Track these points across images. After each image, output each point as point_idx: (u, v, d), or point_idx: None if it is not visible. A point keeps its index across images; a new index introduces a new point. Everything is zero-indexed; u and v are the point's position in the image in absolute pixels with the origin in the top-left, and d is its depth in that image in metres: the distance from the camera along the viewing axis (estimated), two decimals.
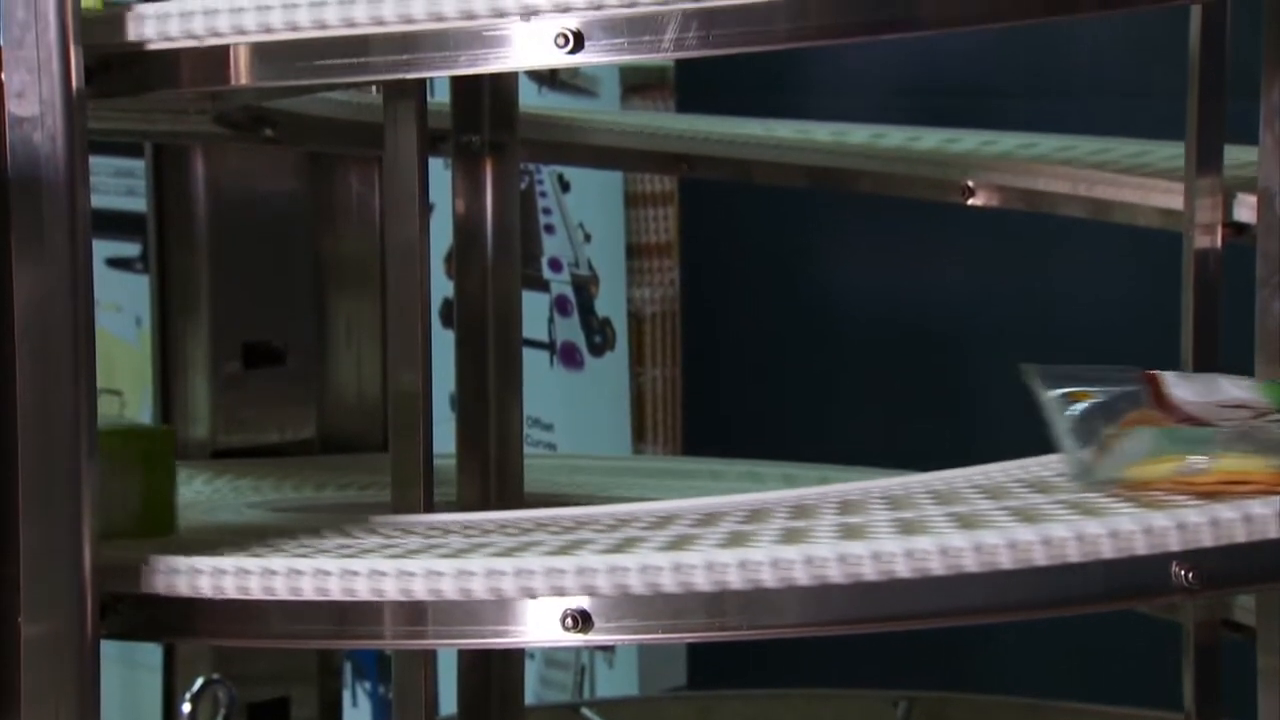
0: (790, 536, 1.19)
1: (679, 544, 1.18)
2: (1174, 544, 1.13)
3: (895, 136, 1.86)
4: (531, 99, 2.38)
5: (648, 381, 2.71)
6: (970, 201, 1.73)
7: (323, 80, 1.25)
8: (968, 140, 1.83)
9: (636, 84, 2.66)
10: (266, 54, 1.22)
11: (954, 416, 2.68)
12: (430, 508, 1.45)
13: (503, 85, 1.58)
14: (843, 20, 1.18)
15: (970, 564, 1.13)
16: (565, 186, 2.70)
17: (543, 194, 2.72)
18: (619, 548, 1.19)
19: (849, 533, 1.19)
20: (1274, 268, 1.41)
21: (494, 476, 1.60)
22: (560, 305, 2.74)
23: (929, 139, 1.85)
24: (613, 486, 1.94)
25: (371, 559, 1.20)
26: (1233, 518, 1.14)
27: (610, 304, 2.71)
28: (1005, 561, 1.13)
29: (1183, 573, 1.13)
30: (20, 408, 1.18)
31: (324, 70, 1.22)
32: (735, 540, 1.18)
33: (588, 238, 2.71)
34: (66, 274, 1.17)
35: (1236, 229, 1.51)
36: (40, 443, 1.18)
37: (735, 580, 1.14)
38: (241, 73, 1.22)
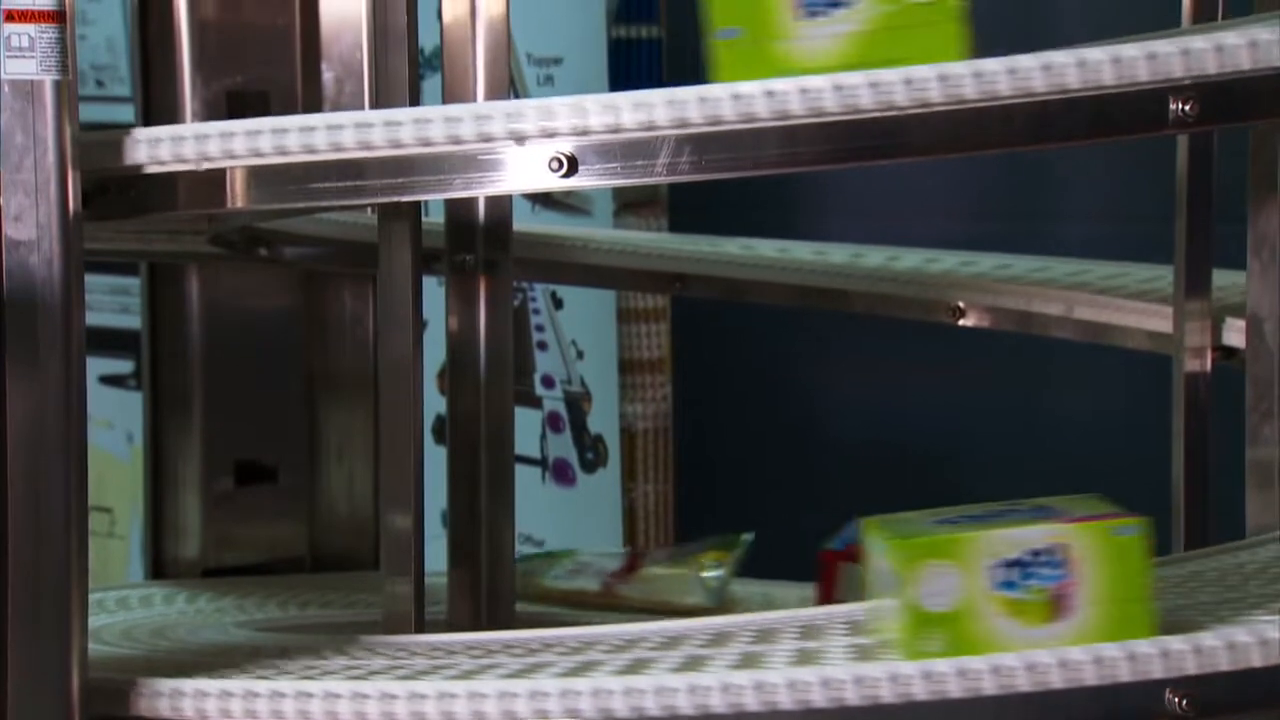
0: (747, 661, 1.18)
1: (696, 664, 1.18)
2: (1158, 671, 1.13)
3: (909, 259, 1.87)
4: (525, 217, 2.39)
5: (639, 497, 2.71)
6: (961, 322, 1.74)
7: (318, 203, 1.26)
8: (954, 261, 1.84)
9: (629, 201, 2.68)
10: (262, 177, 1.23)
11: None
12: (422, 627, 1.44)
13: (497, 205, 1.59)
14: (833, 147, 1.20)
15: (954, 690, 1.13)
16: (558, 303, 2.71)
17: (536, 311, 2.72)
18: (633, 669, 1.18)
19: (805, 657, 1.18)
20: (1263, 393, 1.42)
21: (485, 594, 1.59)
22: (553, 422, 2.74)
23: (918, 259, 1.86)
24: None
25: (336, 680, 1.20)
26: (1215, 645, 1.14)
27: (603, 420, 2.71)
28: (989, 688, 1.13)
29: (1178, 700, 1.13)
30: (11, 526, 1.18)
31: (319, 193, 1.23)
32: (692, 665, 1.18)
33: (580, 354, 2.71)
34: (60, 394, 1.17)
35: (1226, 353, 1.52)
36: (31, 562, 1.18)
37: (684, 706, 1.14)
38: (237, 195, 1.23)
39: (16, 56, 1.15)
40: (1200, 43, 1.16)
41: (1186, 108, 1.16)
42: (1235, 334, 1.50)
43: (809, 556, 2.71)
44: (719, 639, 1.26)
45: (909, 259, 1.86)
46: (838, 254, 1.89)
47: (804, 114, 1.17)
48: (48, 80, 1.15)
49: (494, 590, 1.59)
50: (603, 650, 1.25)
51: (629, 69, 2.66)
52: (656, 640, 1.27)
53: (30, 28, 1.14)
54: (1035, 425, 2.61)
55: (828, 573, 1.90)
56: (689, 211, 2.66)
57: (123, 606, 1.76)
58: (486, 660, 1.25)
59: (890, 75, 1.18)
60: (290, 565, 2.01)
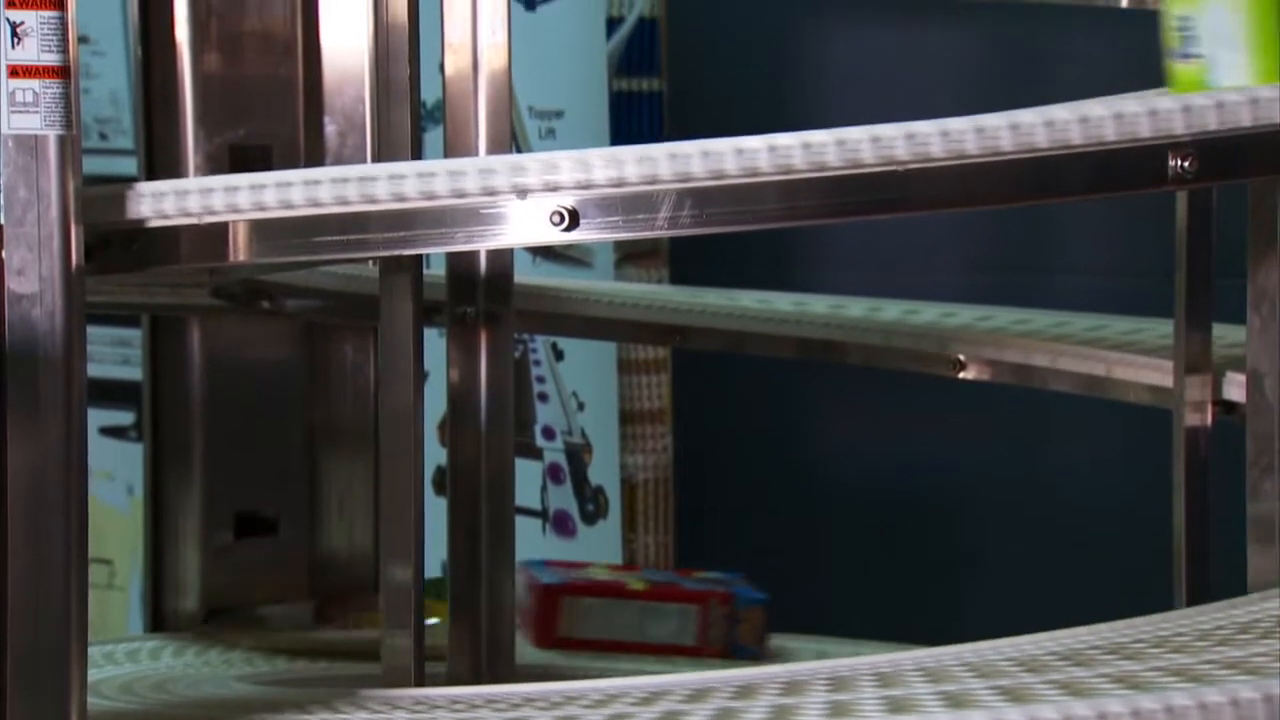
0: (779, 715, 1.18)
1: None
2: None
3: (891, 310, 1.88)
4: (526, 269, 2.40)
5: (640, 549, 2.70)
6: (961, 375, 1.75)
7: (320, 256, 1.26)
8: (962, 315, 1.85)
9: (630, 252, 2.68)
10: (264, 231, 1.23)
11: (950, 585, 2.67)
12: (421, 681, 1.44)
13: (498, 257, 1.59)
14: (833, 201, 1.20)
15: None
16: (559, 355, 2.71)
17: (536, 362, 2.72)
18: None
19: (838, 710, 1.18)
20: (1263, 448, 1.42)
21: (485, 648, 1.59)
22: (553, 473, 2.73)
23: (926, 313, 1.87)
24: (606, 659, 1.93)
25: None
26: None
27: (603, 472, 2.71)
28: None
29: None
30: (11, 579, 1.18)
31: (321, 246, 1.24)
32: (726, 717, 1.17)
33: (581, 406, 2.71)
34: (61, 447, 1.17)
35: (1226, 407, 1.52)
36: (30, 614, 1.18)
37: None
38: (240, 249, 1.23)
39: (20, 111, 1.15)
40: (1200, 100, 1.17)
41: (1185, 164, 1.17)
42: (1236, 388, 1.50)
43: (811, 607, 2.70)
44: (746, 691, 1.25)
45: (908, 310, 1.87)
46: (823, 306, 1.90)
47: (805, 168, 1.18)
48: (51, 135, 1.15)
49: (494, 643, 1.59)
50: (629, 703, 1.24)
51: (630, 121, 2.67)
52: (682, 693, 1.26)
53: (34, 83, 1.15)
54: (1036, 476, 2.61)
55: (548, 608, 1.91)
56: (690, 263, 2.67)
57: (111, 660, 1.76)
58: (512, 714, 1.24)
59: (892, 130, 1.18)
60: (290, 617, 2.00)
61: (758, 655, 1.92)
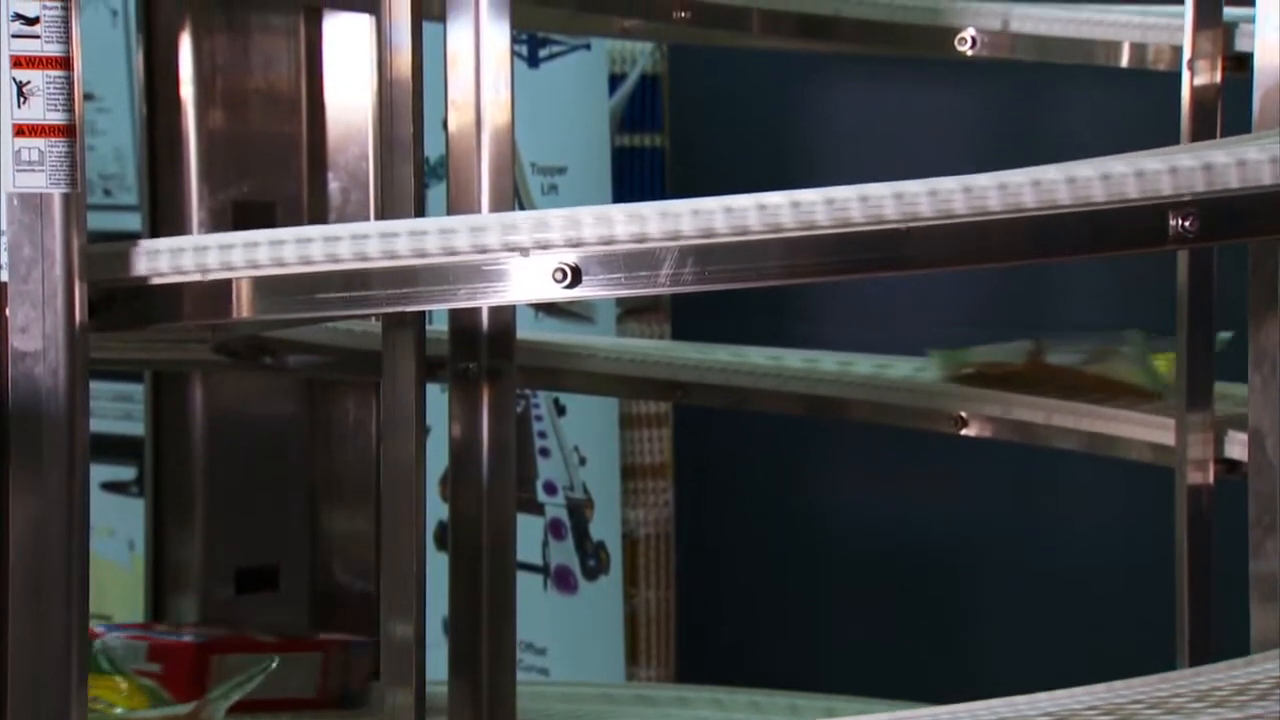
0: None
1: None
2: None
3: (896, 367, 1.87)
4: (528, 324, 2.40)
5: (641, 604, 2.70)
6: (963, 432, 1.75)
7: (323, 313, 1.26)
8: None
9: (632, 307, 2.69)
10: (267, 288, 1.23)
11: (952, 642, 2.67)
12: None
13: (500, 314, 1.59)
14: (835, 259, 1.20)
15: None
16: (561, 410, 2.72)
17: (538, 417, 2.73)
18: None
19: None
20: (1265, 507, 1.42)
21: (486, 704, 1.59)
22: (555, 529, 2.74)
23: (915, 367, 1.87)
24: (607, 715, 1.93)
25: None
26: None
27: (605, 527, 2.71)
28: None
29: None
30: (11, 638, 1.18)
31: (324, 303, 1.24)
32: None
33: (583, 460, 2.72)
34: (63, 503, 1.17)
35: (1228, 466, 1.52)
36: (31, 673, 1.18)
37: None
38: (243, 306, 1.24)
39: (26, 170, 1.15)
40: (1204, 159, 1.17)
41: (1186, 224, 1.17)
42: (1238, 447, 1.50)
43: (812, 661, 2.70)
44: None
45: (907, 366, 1.87)
46: (798, 360, 1.90)
47: (796, 226, 1.18)
48: (56, 194, 1.16)
49: (495, 700, 1.58)
50: None
51: (633, 177, 2.68)
52: None
53: (40, 142, 1.15)
54: (1038, 532, 2.60)
55: (198, 668, 1.84)
56: (692, 317, 2.67)
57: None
58: None
59: (896, 189, 1.18)
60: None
61: (366, 701, 1.88)
